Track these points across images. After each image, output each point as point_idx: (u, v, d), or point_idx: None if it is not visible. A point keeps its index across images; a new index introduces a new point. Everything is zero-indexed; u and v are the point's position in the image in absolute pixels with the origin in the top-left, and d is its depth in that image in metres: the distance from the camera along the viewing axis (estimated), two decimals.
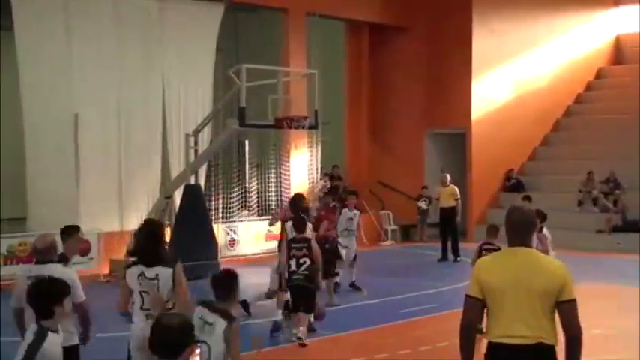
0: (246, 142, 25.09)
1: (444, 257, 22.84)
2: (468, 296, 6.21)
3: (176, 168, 21.73)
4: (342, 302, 16.63)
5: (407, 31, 28.50)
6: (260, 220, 23.75)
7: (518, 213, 6.24)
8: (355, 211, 18.36)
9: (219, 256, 20.33)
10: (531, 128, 30.19)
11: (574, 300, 5.96)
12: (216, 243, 20.47)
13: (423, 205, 26.88)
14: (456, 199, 23.19)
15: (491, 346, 6.12)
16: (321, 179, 26.79)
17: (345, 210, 18.06)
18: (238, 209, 24.44)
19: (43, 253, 8.43)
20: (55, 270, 7.86)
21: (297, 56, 25.11)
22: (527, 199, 18.30)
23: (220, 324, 7.00)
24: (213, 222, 21.43)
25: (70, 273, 8.21)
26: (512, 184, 28.92)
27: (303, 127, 21.57)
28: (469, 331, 6.29)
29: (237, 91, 19.18)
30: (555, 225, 24.36)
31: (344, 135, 29.05)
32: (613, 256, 22.96)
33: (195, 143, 20.89)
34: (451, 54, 28.00)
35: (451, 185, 23.27)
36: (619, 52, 34.18)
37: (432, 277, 19.86)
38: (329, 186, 26.39)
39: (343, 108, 29.01)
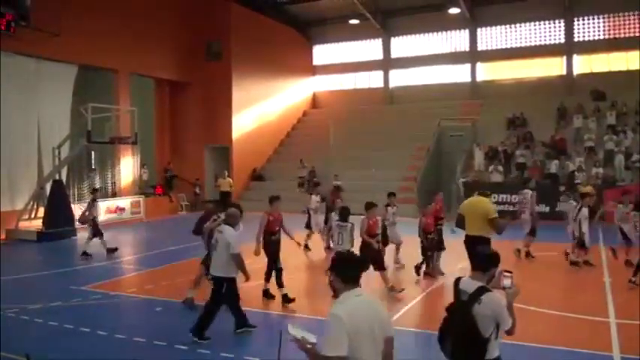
0: (93, 153, 23.92)
1: None
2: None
3: (47, 169, 20.72)
4: (153, 249, 16.76)
5: (192, 85, 28.21)
6: (101, 201, 22.29)
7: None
8: None
9: (75, 224, 19.34)
10: (267, 144, 31.20)
11: (496, 217, 8.22)
12: (73, 216, 19.52)
13: (197, 189, 27.24)
14: (231, 186, 23.52)
15: (465, 236, 8.44)
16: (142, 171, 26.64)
17: None
18: (88, 194, 23.40)
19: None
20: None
21: (124, 99, 24.35)
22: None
23: None
24: (71, 203, 20.51)
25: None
26: (257, 176, 29.63)
27: (127, 143, 21.76)
28: None
29: (86, 120, 18.85)
30: (284, 198, 26.54)
31: (154, 148, 28.27)
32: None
33: (59, 153, 19.95)
34: (220, 100, 27.93)
35: (228, 178, 23.63)
36: (315, 101, 35.69)
37: None
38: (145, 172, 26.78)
39: (153, 131, 28.08)
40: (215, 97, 28.25)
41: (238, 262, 8.02)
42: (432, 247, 11.96)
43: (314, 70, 35.78)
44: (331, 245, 10.82)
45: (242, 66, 28.70)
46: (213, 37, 28.49)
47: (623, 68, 28.24)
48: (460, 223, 8.87)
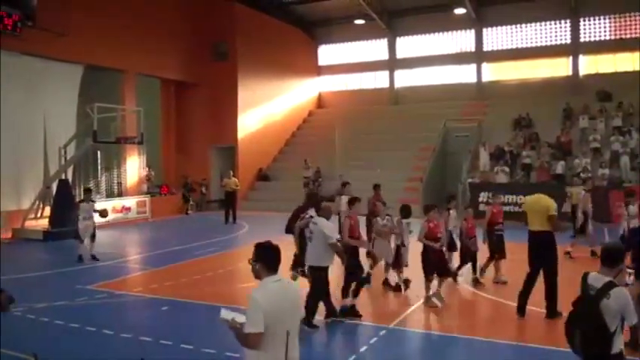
0: (99, 152, 23.95)
1: (226, 221, 22.21)
2: None
3: (53, 168, 20.73)
4: (158, 249, 16.67)
5: (198, 85, 28.27)
6: (106, 200, 22.79)
7: None
8: None
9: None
10: (273, 144, 31.22)
11: (555, 214, 8.57)
12: (79, 215, 19.82)
13: (203, 189, 27.43)
14: (237, 186, 23.33)
15: (528, 232, 8.73)
16: (145, 173, 26.52)
17: None
18: (94, 194, 23.62)
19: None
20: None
21: (130, 99, 24.47)
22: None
23: None
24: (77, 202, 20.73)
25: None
26: (262, 176, 29.71)
27: (133, 143, 21.82)
28: None
29: (92, 120, 18.93)
30: (289, 198, 26.20)
31: (159, 148, 28.38)
32: None
33: (65, 152, 19.99)
34: (226, 100, 27.93)
35: (233, 178, 23.38)
36: (320, 102, 35.67)
37: (217, 232, 19.48)
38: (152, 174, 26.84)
39: (159, 131, 28.17)
40: (221, 97, 28.26)
41: (337, 249, 8.49)
42: (474, 252, 11.36)
43: (319, 71, 35.73)
44: (404, 242, 10.61)
45: (247, 66, 28.68)
46: (218, 38, 28.49)
47: (630, 69, 28.04)
48: (524, 219, 9.12)
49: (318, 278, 8.50)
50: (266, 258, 4.12)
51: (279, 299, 4.00)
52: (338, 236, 8.41)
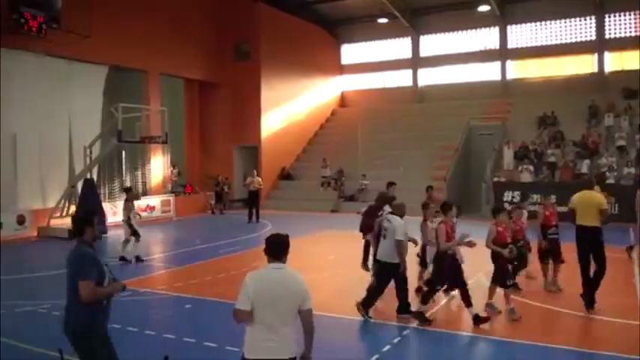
0: (123, 152, 24.07)
1: (250, 220, 22.09)
2: None
3: (78, 168, 20.87)
4: (182, 247, 16.77)
5: (221, 85, 28.41)
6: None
7: None
8: None
9: (106, 222, 19.67)
10: (295, 143, 31.22)
11: (607, 209, 8.73)
12: (104, 214, 19.77)
13: (225, 188, 27.24)
14: (260, 185, 23.19)
15: (578, 227, 8.69)
16: (171, 171, 26.80)
17: None
18: (118, 193, 23.43)
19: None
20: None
21: (154, 99, 24.62)
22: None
23: None
24: (102, 201, 20.74)
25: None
26: (285, 175, 29.73)
27: (157, 142, 21.95)
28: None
29: (117, 120, 18.95)
30: (312, 197, 26.18)
31: (183, 147, 28.47)
32: (344, 214, 23.75)
33: (90, 152, 20.02)
34: (249, 99, 28.09)
35: (257, 177, 23.17)
36: (343, 100, 35.50)
37: (241, 231, 19.53)
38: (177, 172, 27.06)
39: (183, 131, 28.23)
40: (244, 96, 28.35)
41: (401, 248, 8.64)
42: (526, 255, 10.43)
43: (342, 69, 35.61)
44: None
45: (270, 66, 28.73)
46: (241, 38, 28.58)
47: None
48: (570, 217, 9.07)
49: (383, 273, 8.88)
50: (268, 248, 4.49)
51: (268, 284, 4.30)
52: (402, 238, 8.63)
